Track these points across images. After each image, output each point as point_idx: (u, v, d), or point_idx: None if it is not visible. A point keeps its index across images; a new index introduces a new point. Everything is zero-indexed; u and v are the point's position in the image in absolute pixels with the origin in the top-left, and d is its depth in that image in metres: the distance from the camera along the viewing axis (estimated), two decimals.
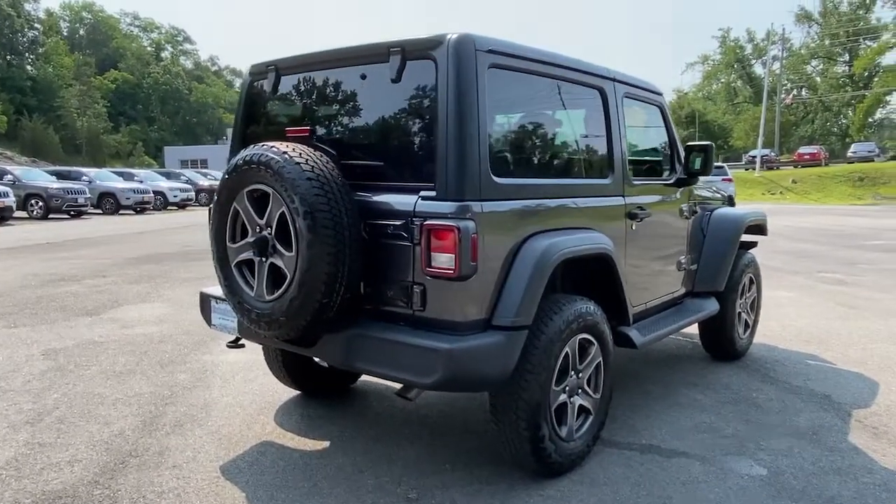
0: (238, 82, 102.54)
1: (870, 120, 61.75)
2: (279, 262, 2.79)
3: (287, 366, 3.93)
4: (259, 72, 3.43)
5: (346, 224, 2.65)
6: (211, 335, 5.67)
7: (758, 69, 74.93)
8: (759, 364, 4.92)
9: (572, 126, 3.40)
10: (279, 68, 3.30)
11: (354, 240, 2.68)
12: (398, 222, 2.71)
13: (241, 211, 2.92)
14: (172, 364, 4.85)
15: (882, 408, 4.00)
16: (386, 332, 2.72)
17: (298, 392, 4.18)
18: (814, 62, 68.69)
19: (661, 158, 4.24)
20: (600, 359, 3.20)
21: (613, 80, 3.58)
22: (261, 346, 3.98)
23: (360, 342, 2.76)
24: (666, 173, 4.21)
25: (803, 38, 70.65)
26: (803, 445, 3.46)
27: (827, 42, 66.26)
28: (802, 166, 41.29)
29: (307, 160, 2.69)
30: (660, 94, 4.16)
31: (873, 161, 41.12)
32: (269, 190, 2.76)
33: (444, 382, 2.56)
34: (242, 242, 2.95)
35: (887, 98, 60.86)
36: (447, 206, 2.60)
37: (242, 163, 2.83)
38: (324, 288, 2.65)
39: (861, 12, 64.54)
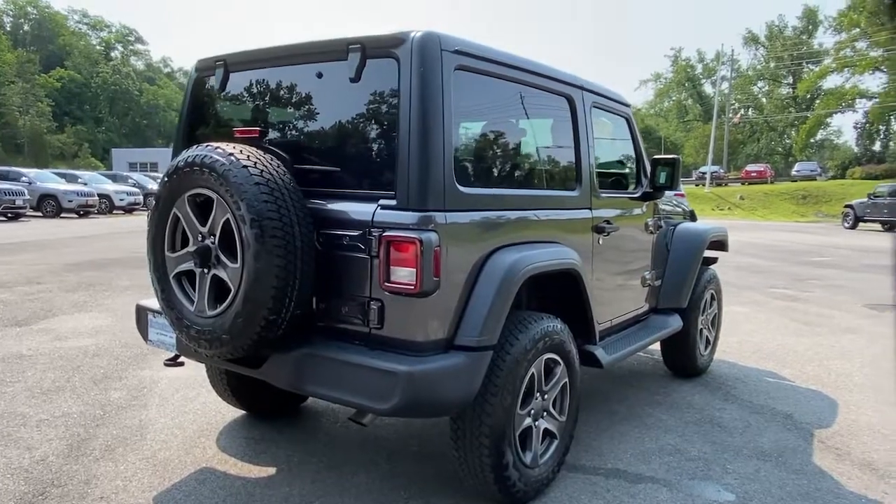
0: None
1: (812, 140, 64.12)
2: (222, 275, 2.54)
3: (232, 384, 3.66)
4: (206, 67, 3.18)
5: (298, 234, 2.43)
6: (152, 349, 5.32)
7: (707, 88, 77.23)
8: (720, 381, 4.85)
9: (539, 135, 3.25)
10: (228, 64, 3.06)
11: (306, 251, 2.46)
12: (355, 233, 2.50)
13: (181, 217, 2.66)
14: (107, 380, 4.50)
15: (843, 427, 3.95)
16: (339, 352, 2.50)
17: (244, 412, 3.91)
18: (760, 83, 71.09)
19: (627, 171, 4.14)
20: (566, 379, 3.04)
21: (582, 88, 3.46)
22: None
23: (311, 363, 2.54)
24: (632, 186, 4.11)
25: (750, 60, 72.97)
26: (769, 468, 3.36)
27: (772, 65, 68.74)
28: (750, 183, 42.52)
29: (255, 163, 2.46)
30: (627, 105, 4.06)
31: (816, 180, 42.65)
32: (213, 195, 2.52)
33: (403, 408, 2.35)
34: (182, 252, 2.69)
35: (828, 120, 63.34)
36: (408, 217, 2.40)
37: (184, 164, 2.57)
38: (271, 303, 2.42)
39: (804, 37, 67.17)
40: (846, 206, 26.15)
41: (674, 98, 79.10)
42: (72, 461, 3.23)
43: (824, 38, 63.53)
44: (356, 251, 2.50)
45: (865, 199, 25.03)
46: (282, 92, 2.92)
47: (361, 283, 2.50)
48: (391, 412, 2.38)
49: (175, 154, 3.22)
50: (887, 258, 14.34)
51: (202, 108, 3.25)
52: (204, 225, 2.59)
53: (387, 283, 2.41)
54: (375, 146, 2.62)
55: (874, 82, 57.26)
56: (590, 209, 3.42)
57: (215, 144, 2.56)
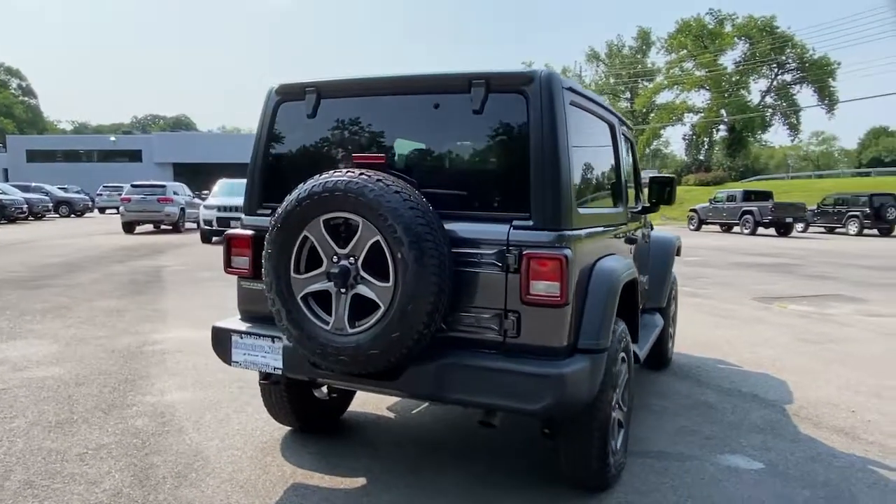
0: (14, 82, 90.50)
1: (647, 150, 70.37)
2: (369, 293, 2.69)
3: (294, 404, 3.71)
4: (291, 92, 3.25)
5: (445, 253, 2.64)
6: (139, 374, 5.09)
7: None
8: (685, 371, 5.53)
9: (605, 159, 3.66)
10: (321, 91, 3.16)
11: (450, 268, 2.68)
12: (490, 251, 2.74)
13: (314, 240, 2.76)
14: (115, 409, 4.29)
15: (805, 402, 4.73)
16: (483, 360, 2.73)
17: (286, 429, 3.94)
18: (602, 98, 77.00)
19: (632, 188, 4.67)
20: (629, 375, 3.46)
21: (615, 116, 3.93)
22: (261, 385, 3.72)
23: (453, 372, 2.74)
24: (634, 201, 4.65)
25: (592, 76, 78.73)
26: (772, 440, 3.99)
27: (612, 80, 74.72)
28: None
29: (402, 188, 2.64)
30: (632, 129, 4.60)
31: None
32: (358, 219, 2.66)
33: (551, 407, 2.64)
34: (314, 273, 2.79)
35: (661, 132, 70.02)
36: (546, 236, 2.70)
37: (321, 189, 2.69)
38: (426, 318, 2.61)
39: (639, 56, 73.66)
40: (691, 210, 29.24)
41: None
42: (151, 491, 3.15)
43: (657, 58, 70.09)
44: (490, 268, 2.75)
45: (707, 204, 28.16)
46: (389, 120, 3.08)
47: (496, 296, 2.75)
48: (540, 412, 2.66)
49: (254, 176, 3.26)
50: (744, 256, 16.38)
51: (285, 131, 3.30)
52: (343, 247, 2.71)
53: (528, 296, 2.68)
54: (503, 172, 2.88)
55: (699, 98, 64.04)
56: (626, 223, 3.89)
57: (354, 171, 2.70)
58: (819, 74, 57.03)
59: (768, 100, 61.69)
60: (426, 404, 4.42)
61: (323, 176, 2.74)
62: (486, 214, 2.82)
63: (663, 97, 68.57)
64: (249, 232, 3.26)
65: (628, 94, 75.05)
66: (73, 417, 4.11)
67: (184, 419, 4.12)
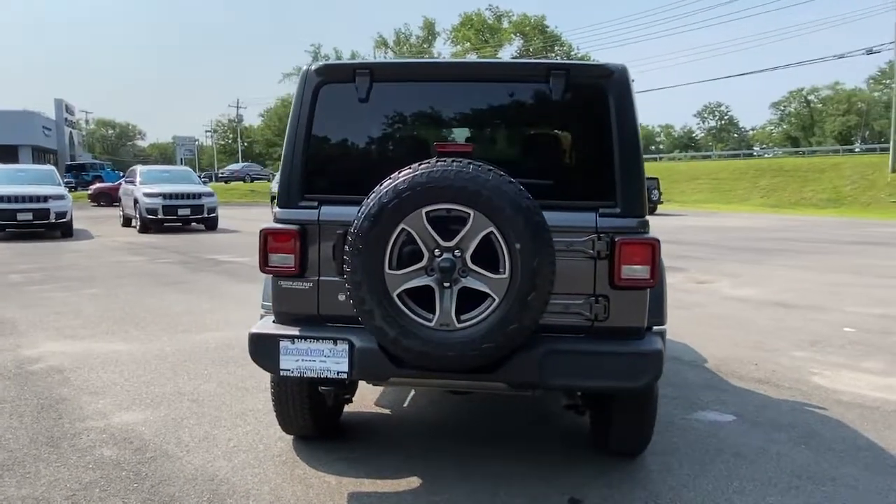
0: None
1: None
2: (479, 286, 2.62)
3: (314, 409, 3.44)
4: (337, 73, 2.99)
5: (552, 243, 2.67)
6: (52, 398, 4.31)
7: None
8: None
9: None
10: (375, 73, 2.95)
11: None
12: (580, 238, 2.82)
13: (415, 234, 2.61)
14: (63, 440, 3.61)
15: (717, 360, 5.45)
16: (585, 344, 2.82)
17: (287, 439, 3.64)
18: None
19: None
20: None
21: None
22: (275, 394, 3.40)
23: (559, 359, 2.78)
24: None
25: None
26: (721, 395, 4.58)
27: None
28: None
29: (511, 180, 2.61)
30: None
31: None
32: (469, 210, 2.57)
33: (651, 382, 2.82)
34: (413, 268, 2.64)
35: None
36: (634, 222, 2.85)
37: (427, 181, 2.55)
38: (543, 308, 2.63)
39: (426, 46, 76.09)
40: None
41: None
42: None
43: (444, 48, 72.95)
44: (579, 254, 2.83)
45: None
46: (456, 108, 2.98)
47: (586, 281, 2.84)
48: (641, 388, 2.83)
49: (291, 161, 2.98)
50: None
51: (331, 115, 3.03)
52: (448, 240, 2.61)
53: (620, 280, 2.82)
54: (587, 161, 2.95)
55: None
56: None
57: (463, 161, 2.60)
58: None
59: None
60: (412, 396, 4.35)
61: (423, 166, 2.60)
62: (568, 203, 2.89)
63: None
64: (294, 227, 2.96)
65: None
66: (15, 457, 3.39)
67: (160, 442, 3.61)
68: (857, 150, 50.41)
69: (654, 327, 3.03)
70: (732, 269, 10.99)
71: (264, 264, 3.00)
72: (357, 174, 3.05)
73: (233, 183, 43.44)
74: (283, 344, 2.93)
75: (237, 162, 58.41)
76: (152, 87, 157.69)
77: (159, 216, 16.92)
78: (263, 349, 2.97)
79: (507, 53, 65.32)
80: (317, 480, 3.20)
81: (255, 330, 3.01)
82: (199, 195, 17.63)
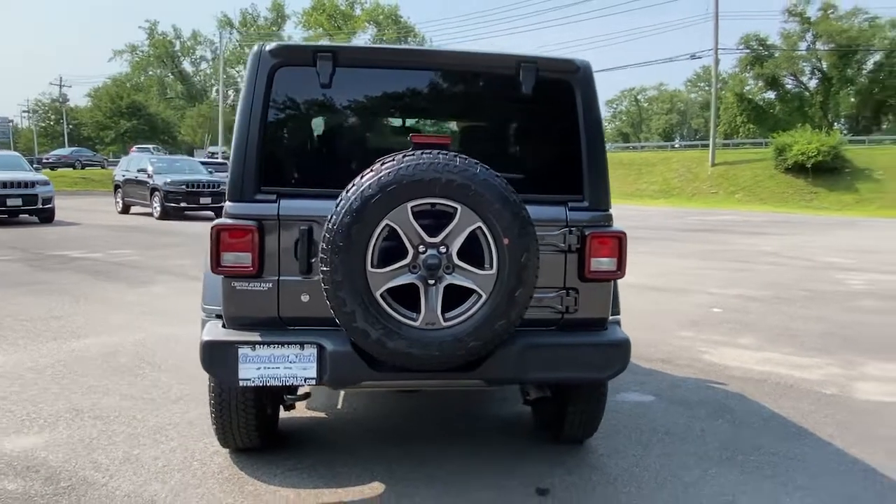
0: None
1: None
2: (465, 283, 2.54)
3: (260, 419, 3.18)
4: (295, 55, 2.75)
5: (537, 237, 2.65)
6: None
7: (188, 66, 76.97)
8: None
9: None
10: (339, 56, 2.74)
11: None
12: (553, 232, 2.83)
13: (399, 229, 2.48)
14: None
15: None
16: (559, 337, 2.84)
17: (223, 453, 3.34)
18: (239, 67, 74.40)
19: None
20: None
21: None
22: (216, 405, 3.09)
23: (536, 353, 2.78)
24: None
25: (226, 43, 75.72)
26: (634, 376, 4.84)
27: (247, 50, 72.93)
28: None
29: (497, 174, 2.56)
30: None
31: None
32: (456, 205, 2.49)
33: (619, 372, 2.91)
34: (397, 266, 2.51)
35: None
36: (601, 216, 2.91)
37: (413, 174, 2.44)
38: (528, 303, 2.61)
39: (274, 28, 73.30)
40: None
41: (152, 73, 76.28)
42: None
43: (294, 32, 70.61)
44: (550, 248, 2.84)
45: None
46: (424, 96, 2.86)
47: (557, 274, 2.87)
48: (610, 378, 2.90)
49: (242, 150, 2.73)
50: None
51: (287, 103, 2.78)
52: (434, 235, 2.51)
53: (590, 273, 2.87)
54: (555, 155, 2.95)
55: None
56: None
57: (449, 154, 2.51)
58: None
59: None
60: (342, 397, 4.18)
61: (407, 158, 2.47)
62: (538, 197, 2.88)
63: None
64: (251, 222, 2.70)
65: None
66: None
67: (74, 468, 3.17)
68: (676, 145, 55.58)
69: (611, 317, 3.12)
70: None
71: (216, 264, 2.71)
72: (318, 165, 2.85)
73: (60, 169, 39.16)
74: (243, 351, 2.67)
75: (62, 147, 52.67)
76: None
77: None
78: (219, 358, 2.69)
79: (360, 41, 64.58)
80: (271, 496, 2.96)
81: (207, 337, 2.72)
82: (31, 184, 15.69)
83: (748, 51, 51.68)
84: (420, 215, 2.50)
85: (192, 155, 52.36)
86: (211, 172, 20.44)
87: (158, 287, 7.89)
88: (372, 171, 2.48)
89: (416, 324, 2.54)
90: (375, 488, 3.05)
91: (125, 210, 19.61)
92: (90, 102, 69.01)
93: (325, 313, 2.69)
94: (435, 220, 2.51)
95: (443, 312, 2.56)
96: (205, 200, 18.08)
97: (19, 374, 4.57)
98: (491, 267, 2.55)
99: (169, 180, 17.82)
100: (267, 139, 2.75)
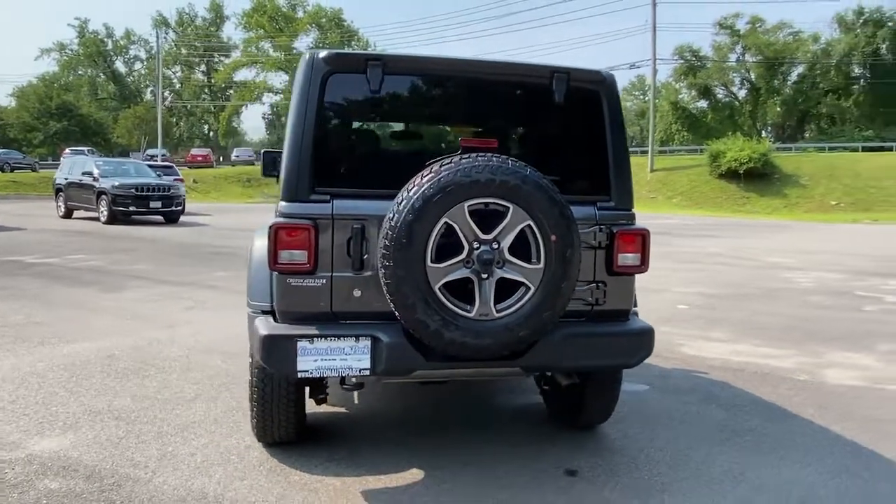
0: None
1: (233, 126, 69.58)
2: (515, 276, 2.74)
3: (299, 416, 3.30)
4: (347, 63, 2.89)
5: (579, 234, 2.87)
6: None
7: (121, 66, 74.35)
8: None
9: None
10: (388, 64, 2.90)
11: None
12: (586, 229, 3.06)
13: (457, 227, 2.66)
14: None
15: None
16: (594, 327, 3.07)
17: (257, 447, 3.42)
18: (175, 68, 72.49)
19: None
20: None
21: None
22: (258, 399, 3.19)
23: (572, 342, 2.99)
24: None
25: (162, 43, 73.61)
26: None
27: (184, 51, 71.07)
28: (196, 167, 43.89)
29: (543, 176, 2.77)
30: None
31: (254, 164, 47.20)
32: (508, 204, 2.68)
33: (645, 358, 3.16)
34: (454, 261, 2.69)
35: (243, 109, 69.97)
36: (627, 215, 3.16)
37: (469, 176, 2.62)
38: (571, 295, 2.83)
39: (213, 29, 71.66)
40: None
41: (83, 73, 73.36)
42: None
43: (235, 34, 69.27)
44: (583, 245, 3.05)
45: None
46: (467, 103, 3.04)
47: (588, 269, 3.10)
48: (637, 363, 3.15)
49: (296, 151, 2.86)
50: None
51: (339, 108, 2.91)
52: (487, 232, 2.70)
53: (617, 268, 3.12)
54: (585, 159, 3.18)
55: (278, 80, 65.80)
56: None
57: (501, 157, 2.70)
58: None
59: None
60: (356, 393, 4.30)
61: (464, 161, 2.66)
62: (570, 197, 3.09)
63: (242, 74, 68.31)
64: (307, 221, 2.82)
65: (203, 67, 72.53)
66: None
67: (112, 466, 3.19)
68: None
69: (634, 308, 3.38)
70: None
71: (274, 262, 2.82)
72: (368, 167, 2.99)
73: None
74: (301, 344, 2.79)
75: None
76: None
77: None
78: (278, 351, 2.80)
79: (303, 44, 63.93)
80: (320, 484, 3.08)
81: (266, 332, 2.82)
82: None
83: (682, 61, 53.89)
84: (473, 214, 2.69)
85: (127, 157, 50.67)
86: (159, 176, 19.93)
87: (132, 293, 7.76)
88: (431, 171, 2.65)
89: (471, 315, 2.72)
90: (415, 474, 3.21)
91: (68, 214, 18.91)
92: (15, 103, 65.80)
93: (375, 307, 2.86)
94: (487, 218, 2.70)
95: (495, 304, 2.75)
96: (155, 205, 17.69)
97: (21, 378, 4.49)
98: (538, 261, 2.75)
99: (117, 184, 17.32)
100: (320, 142, 2.88)
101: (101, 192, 17.40)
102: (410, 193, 2.64)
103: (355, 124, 3.06)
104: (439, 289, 2.69)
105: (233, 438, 3.56)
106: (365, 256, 2.87)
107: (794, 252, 14.09)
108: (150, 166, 21.91)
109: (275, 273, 2.88)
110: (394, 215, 2.64)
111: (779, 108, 54.40)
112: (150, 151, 45.53)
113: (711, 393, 4.58)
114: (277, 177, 4.09)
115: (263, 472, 3.19)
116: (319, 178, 2.89)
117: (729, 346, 5.94)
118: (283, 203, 2.89)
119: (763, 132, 52.30)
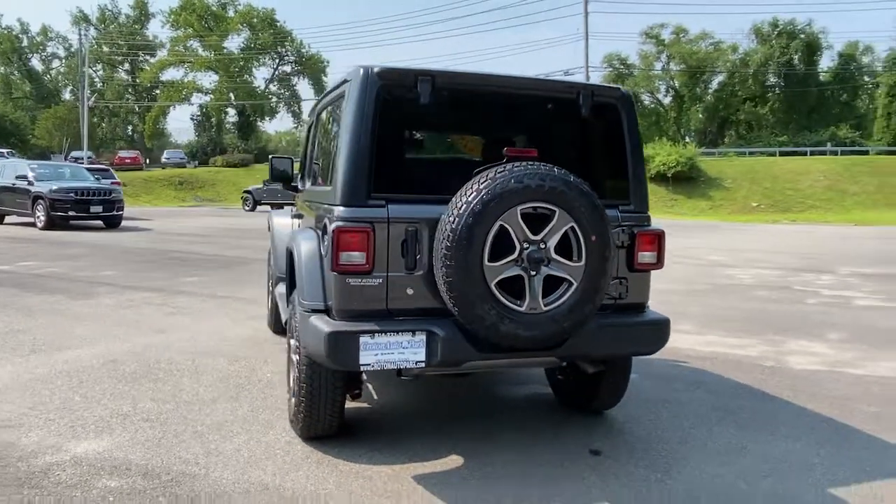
0: None
1: (160, 127, 67.12)
2: (560, 273, 3.03)
3: (342, 410, 3.48)
4: (398, 78, 3.11)
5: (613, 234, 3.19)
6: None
7: (36, 64, 70.78)
8: None
9: None
10: (436, 80, 3.14)
11: None
12: (612, 230, 3.38)
13: (510, 229, 2.92)
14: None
15: None
16: (620, 318, 3.39)
17: (295, 441, 3.58)
18: (98, 67, 69.42)
19: None
20: None
21: None
22: (307, 394, 3.36)
23: (605, 331, 3.30)
24: None
25: (82, 41, 70.40)
26: None
27: (106, 48, 68.20)
28: (125, 170, 42.26)
29: (583, 182, 3.07)
30: None
31: (185, 167, 45.88)
32: (555, 208, 2.97)
33: (663, 345, 3.50)
34: (507, 259, 2.95)
35: (170, 109, 67.58)
36: (645, 217, 3.51)
37: (519, 181, 2.90)
38: (607, 289, 3.14)
39: (137, 27, 69.07)
40: (245, 192, 30.10)
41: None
42: None
43: (162, 32, 66.96)
44: None
45: (261, 186, 29.41)
46: (505, 115, 3.30)
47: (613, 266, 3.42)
48: (657, 350, 3.49)
49: (357, 159, 3.06)
50: None
51: (392, 117, 3.12)
52: (536, 234, 2.98)
53: (638, 264, 3.45)
54: (608, 166, 3.50)
55: (208, 80, 64.04)
56: None
57: (547, 165, 2.98)
58: (314, 69, 63.94)
59: (273, 88, 65.94)
60: (372, 389, 4.49)
61: (516, 168, 2.93)
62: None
63: (170, 74, 66.12)
64: (366, 224, 3.03)
65: (128, 66, 69.84)
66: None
67: (162, 464, 3.28)
68: None
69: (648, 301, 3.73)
70: None
71: (335, 263, 3.01)
72: (417, 174, 3.21)
73: None
74: (363, 339, 2.99)
75: None
76: None
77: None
78: (342, 347, 2.99)
79: (234, 44, 62.58)
80: (371, 472, 3.27)
81: (328, 329, 3.00)
82: None
83: (611, 69, 55.87)
84: (524, 216, 2.96)
85: (47, 160, 48.28)
86: (98, 179, 19.25)
87: (107, 299, 7.62)
88: (487, 178, 2.90)
89: (522, 309, 2.99)
90: (456, 459, 3.45)
91: None
92: None
93: (427, 304, 3.10)
94: (535, 221, 2.98)
95: (542, 299, 3.03)
96: (95, 209, 17.12)
97: (27, 385, 4.45)
98: (580, 259, 3.05)
99: (55, 188, 16.67)
100: (375, 151, 3.09)
101: (37, 197, 16.70)
102: (469, 198, 2.89)
103: (406, 134, 3.28)
104: (495, 286, 2.95)
105: (270, 435, 3.69)
106: (417, 257, 3.10)
107: (728, 251, 15.03)
108: (89, 169, 21.14)
109: (334, 274, 3.07)
110: (454, 219, 2.87)
111: (701, 115, 57.14)
112: (75, 154, 43.52)
113: (695, 379, 5.01)
114: (285, 182, 4.27)
115: (313, 464, 3.35)
116: (376, 184, 3.10)
117: (697, 337, 6.42)
118: (341, 208, 3.08)
119: (687, 137, 54.75)
